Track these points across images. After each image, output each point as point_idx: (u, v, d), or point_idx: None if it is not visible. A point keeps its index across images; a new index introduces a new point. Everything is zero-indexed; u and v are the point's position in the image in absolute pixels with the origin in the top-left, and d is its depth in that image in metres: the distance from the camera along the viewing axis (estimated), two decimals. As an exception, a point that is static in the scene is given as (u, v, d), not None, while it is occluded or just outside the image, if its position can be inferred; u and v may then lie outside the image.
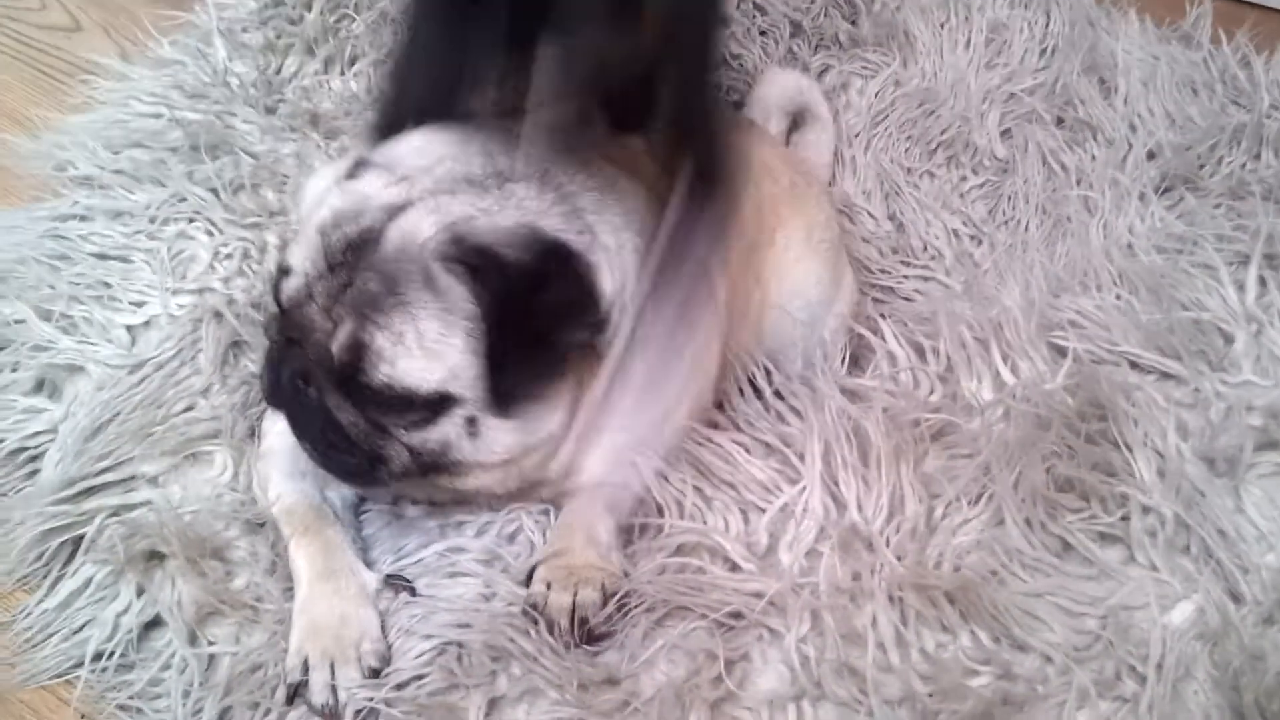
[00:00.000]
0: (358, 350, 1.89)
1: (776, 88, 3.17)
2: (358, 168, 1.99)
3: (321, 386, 1.96)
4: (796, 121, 3.16)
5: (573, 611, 1.99)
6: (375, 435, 1.98)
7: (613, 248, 2.06)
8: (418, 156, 1.99)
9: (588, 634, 2.00)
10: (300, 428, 2.05)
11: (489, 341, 1.89)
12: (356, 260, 1.89)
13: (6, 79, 3.22)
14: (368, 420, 1.97)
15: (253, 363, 2.47)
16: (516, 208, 1.96)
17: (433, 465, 2.03)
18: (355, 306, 1.89)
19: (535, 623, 1.99)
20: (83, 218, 2.72)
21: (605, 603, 2.01)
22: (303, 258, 1.94)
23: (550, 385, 2.02)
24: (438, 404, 1.94)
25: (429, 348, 1.89)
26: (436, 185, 1.95)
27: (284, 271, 1.96)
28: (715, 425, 2.32)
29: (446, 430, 1.98)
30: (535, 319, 1.92)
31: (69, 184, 2.82)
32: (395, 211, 1.91)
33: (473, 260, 1.87)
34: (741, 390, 2.37)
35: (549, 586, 2.02)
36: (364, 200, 1.94)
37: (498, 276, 1.87)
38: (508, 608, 2.06)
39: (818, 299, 2.59)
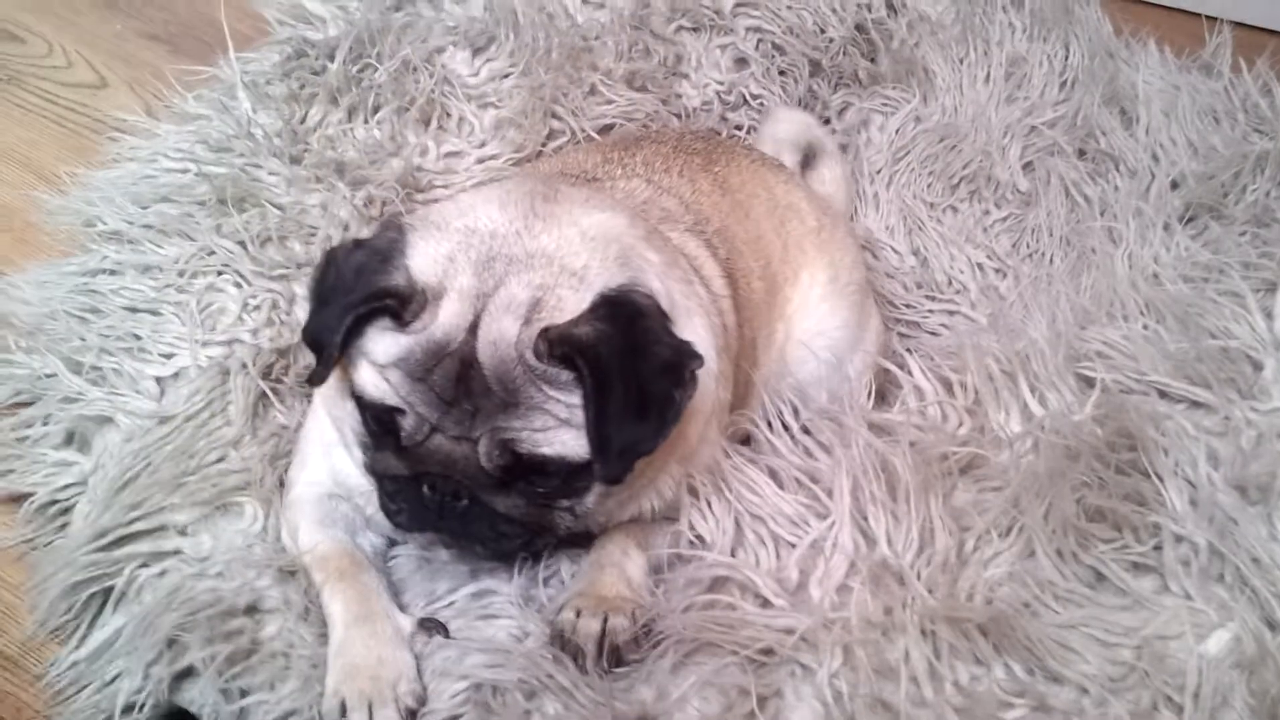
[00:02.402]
0: (509, 450, 1.93)
1: (785, 125, 3.20)
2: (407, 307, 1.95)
3: (480, 496, 2.00)
4: (807, 158, 3.17)
5: (601, 638, 2.01)
6: (545, 512, 2.04)
7: (646, 255, 2.11)
8: (429, 266, 1.97)
9: (616, 659, 2.01)
10: (462, 535, 2.09)
11: (596, 412, 1.91)
12: (469, 388, 1.92)
13: (34, 136, 3.25)
14: (534, 503, 2.02)
15: (282, 414, 2.50)
16: (563, 271, 1.96)
17: (588, 515, 2.10)
18: (488, 422, 1.92)
19: (562, 647, 2.02)
20: (112, 272, 2.74)
21: (635, 631, 2.04)
22: (407, 400, 1.94)
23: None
24: (591, 464, 1.97)
25: (566, 421, 1.92)
26: (480, 280, 1.94)
27: (395, 411, 1.96)
28: (748, 460, 2.31)
29: (599, 485, 2.03)
30: (639, 384, 1.93)
31: (98, 239, 2.84)
32: (473, 328, 1.92)
33: (562, 351, 1.89)
34: (770, 424, 2.36)
35: (578, 614, 2.04)
36: (433, 332, 1.93)
37: (590, 356, 1.89)
38: (542, 647, 2.06)
39: (842, 339, 2.62)
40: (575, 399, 1.91)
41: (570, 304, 1.93)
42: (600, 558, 2.16)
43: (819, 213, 2.73)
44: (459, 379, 1.91)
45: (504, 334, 1.90)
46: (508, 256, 1.96)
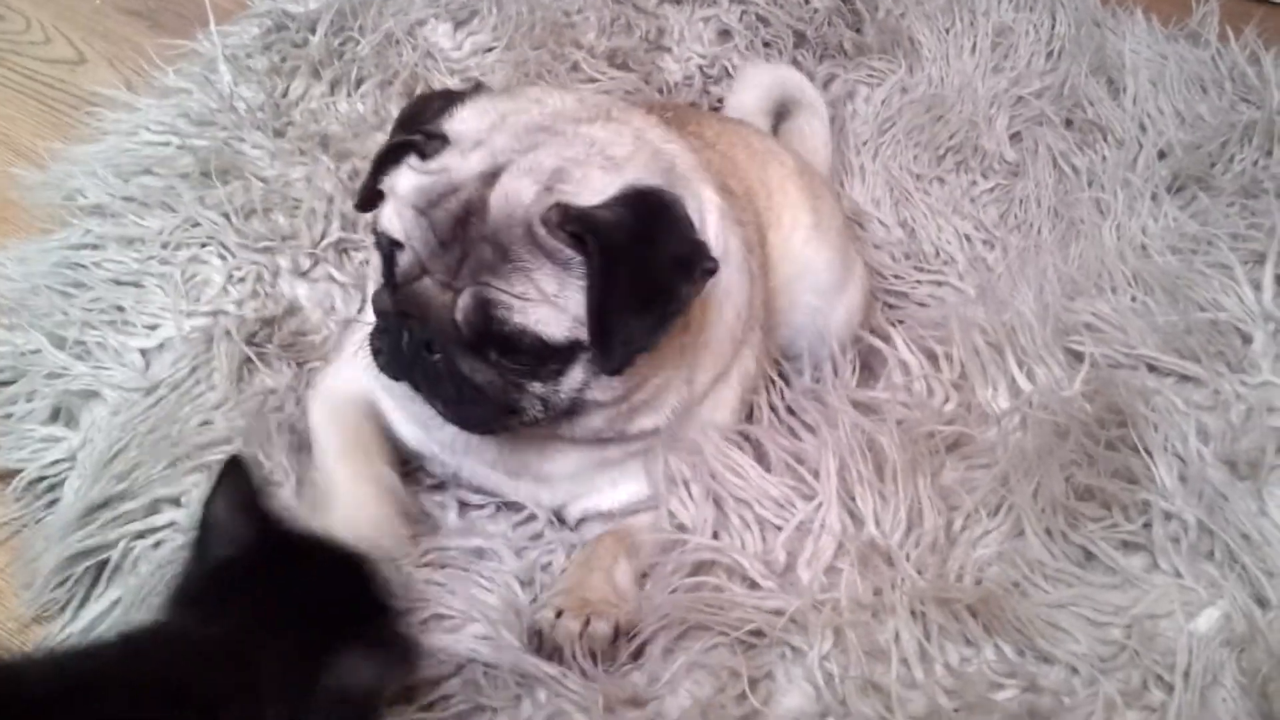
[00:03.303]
0: (484, 310, 1.91)
1: (752, 89, 3.16)
2: (430, 143, 1.99)
3: (450, 352, 1.97)
4: (780, 116, 3.16)
5: (580, 639, 1.98)
6: (511, 390, 1.99)
7: (701, 194, 2.11)
8: (478, 120, 2.00)
9: (593, 662, 1.98)
10: (428, 390, 2.05)
11: (600, 297, 1.89)
12: (465, 232, 1.91)
13: (11, 113, 3.21)
14: (504, 379, 1.98)
15: (269, 377, 2.48)
16: (601, 155, 1.97)
17: (563, 411, 2.05)
18: (473, 275, 1.91)
19: (539, 646, 1.99)
20: (95, 245, 2.71)
21: (616, 637, 2.00)
22: (408, 234, 1.95)
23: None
24: (569, 351, 1.95)
25: (552, 301, 1.90)
26: (517, 141, 1.96)
27: (395, 245, 1.97)
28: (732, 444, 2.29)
29: (575, 377, 1.99)
30: (646, 273, 1.92)
31: (79, 213, 2.81)
32: (490, 179, 1.92)
33: (576, 228, 1.88)
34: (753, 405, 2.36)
35: (559, 614, 2.01)
36: (452, 174, 1.94)
37: (602, 238, 1.88)
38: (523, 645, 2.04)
39: (826, 282, 2.60)
40: (568, 279, 1.90)
41: (597, 183, 1.93)
42: (589, 559, 2.13)
43: (795, 156, 2.74)
44: (459, 221, 1.91)
45: (519, 192, 1.90)
46: (555, 130, 1.98)
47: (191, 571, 1.79)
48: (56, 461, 2.37)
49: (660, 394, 2.13)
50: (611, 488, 2.25)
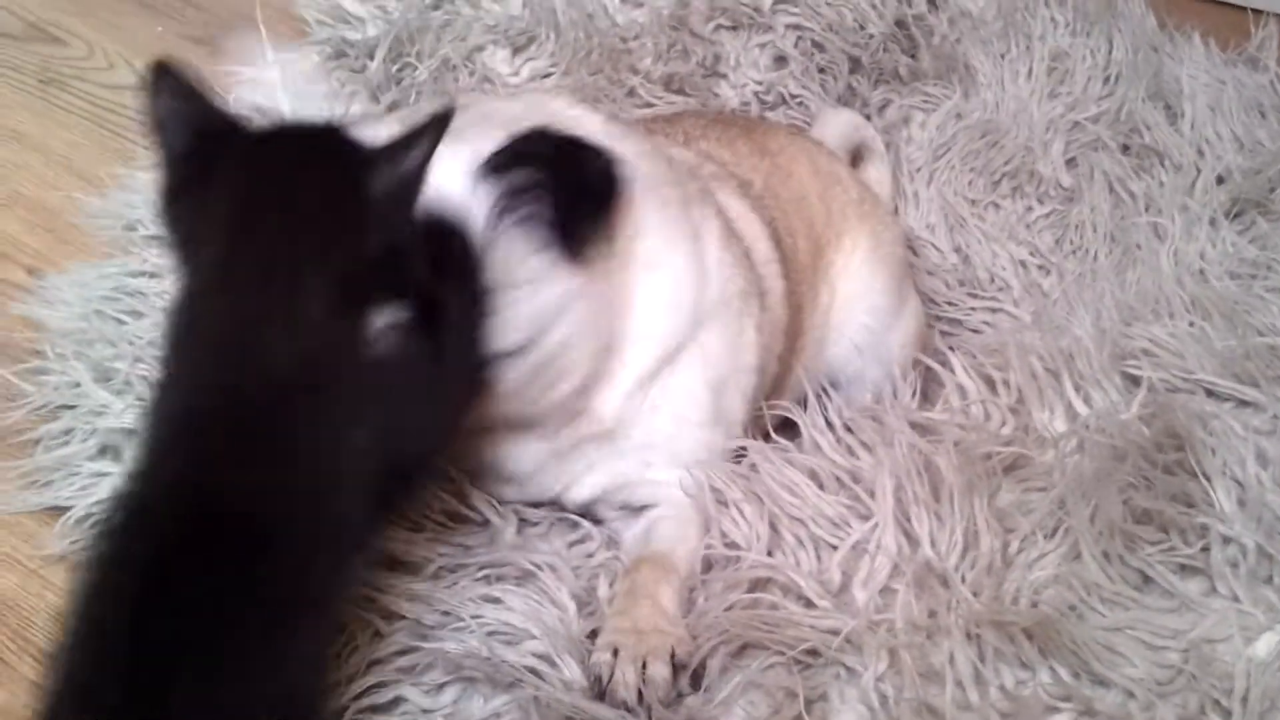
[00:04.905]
0: None
1: (833, 127, 3.19)
2: None
3: None
4: (855, 159, 3.18)
5: (641, 685, 1.92)
6: None
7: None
8: None
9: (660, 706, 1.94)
10: None
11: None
12: None
13: (76, 138, 3.25)
14: None
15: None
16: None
17: None
18: None
19: (600, 695, 1.92)
20: (153, 274, 2.73)
21: (675, 674, 1.96)
22: None
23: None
24: None
25: None
26: None
27: None
28: (786, 461, 2.29)
29: None
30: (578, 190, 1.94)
31: (140, 243, 2.84)
32: None
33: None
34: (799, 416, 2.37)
35: (615, 654, 1.95)
36: None
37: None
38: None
39: (883, 306, 2.64)
40: None
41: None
42: (633, 588, 2.08)
43: (860, 187, 2.77)
44: None
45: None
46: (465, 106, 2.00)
47: (167, 175, 1.61)
48: (101, 501, 2.33)
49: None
50: (576, 483, 2.25)
